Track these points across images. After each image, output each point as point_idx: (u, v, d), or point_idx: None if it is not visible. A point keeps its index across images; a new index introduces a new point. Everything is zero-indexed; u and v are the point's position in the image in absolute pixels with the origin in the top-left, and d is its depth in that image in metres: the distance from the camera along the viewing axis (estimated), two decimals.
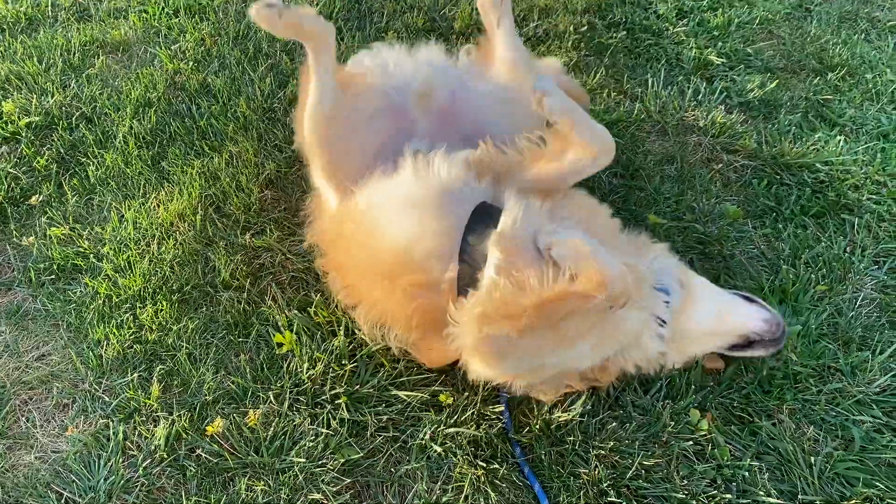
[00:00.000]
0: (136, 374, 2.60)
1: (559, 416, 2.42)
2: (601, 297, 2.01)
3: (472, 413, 2.44)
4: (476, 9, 3.83)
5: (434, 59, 2.69)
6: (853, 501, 2.28)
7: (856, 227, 3.03)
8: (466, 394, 2.51)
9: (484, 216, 2.26)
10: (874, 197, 3.14)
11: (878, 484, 2.33)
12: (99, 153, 3.24)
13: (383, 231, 2.31)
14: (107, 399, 2.56)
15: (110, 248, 2.93)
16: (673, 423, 2.44)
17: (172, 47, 3.71)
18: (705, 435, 2.41)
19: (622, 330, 2.26)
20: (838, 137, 3.36)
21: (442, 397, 2.48)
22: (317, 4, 3.86)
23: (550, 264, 2.07)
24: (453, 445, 2.38)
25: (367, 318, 2.48)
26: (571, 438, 2.41)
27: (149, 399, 2.52)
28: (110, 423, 2.49)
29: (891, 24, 4.05)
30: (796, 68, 3.76)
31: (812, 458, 2.36)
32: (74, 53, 3.69)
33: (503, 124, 2.55)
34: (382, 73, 2.63)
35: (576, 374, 2.37)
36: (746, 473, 2.34)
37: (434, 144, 2.48)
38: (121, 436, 2.44)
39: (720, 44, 3.77)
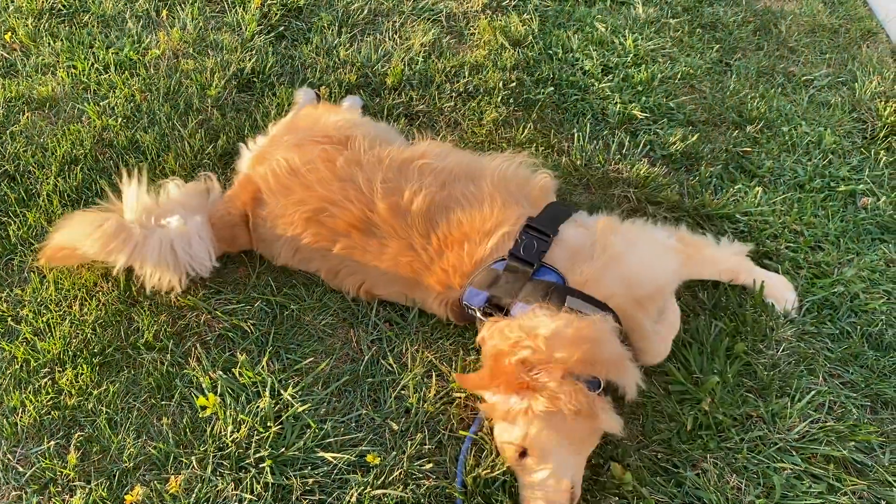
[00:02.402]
0: (52, 442, 2.52)
1: (482, 473, 2.42)
2: None
3: (400, 473, 2.42)
4: (407, 64, 3.90)
5: None
6: None
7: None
8: (394, 453, 2.49)
9: None
10: (792, 245, 3.25)
11: None
12: (21, 212, 3.17)
13: None
14: (21, 469, 2.46)
15: (30, 311, 2.85)
16: (597, 479, 2.45)
17: (101, 103, 3.67)
18: (631, 491, 2.42)
19: None
20: (757, 188, 3.48)
21: (369, 458, 2.45)
22: (250, 60, 3.88)
23: None
24: None
25: None
26: (500, 497, 2.40)
27: (65, 468, 2.45)
28: (23, 494, 2.41)
29: (805, 78, 4.24)
30: (717, 121, 3.90)
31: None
32: None
33: None
34: None
35: None
36: None
37: None
38: None
39: (644, 98, 3.89)
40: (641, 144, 3.64)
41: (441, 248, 2.64)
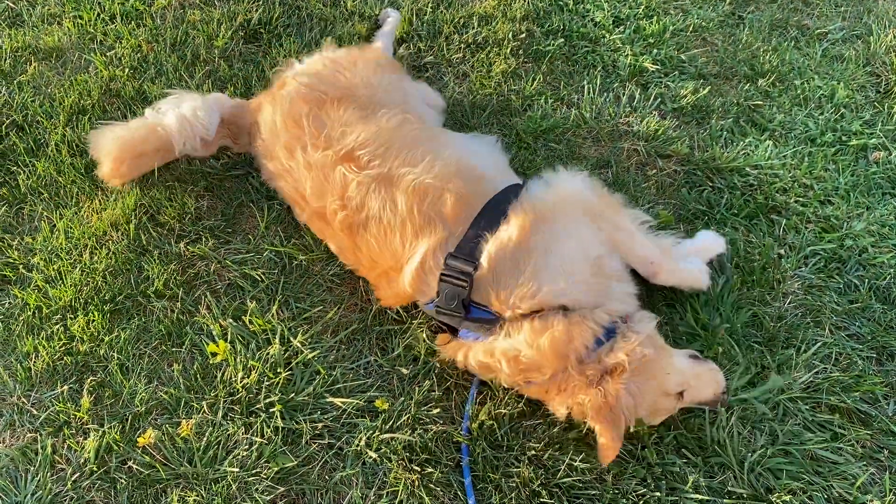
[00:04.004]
0: (66, 387, 2.56)
1: (494, 411, 2.45)
2: None
3: (408, 418, 2.46)
4: (415, 14, 3.86)
5: None
6: (778, 494, 2.35)
7: (783, 228, 3.12)
8: (402, 399, 2.53)
9: None
10: (801, 199, 3.23)
11: (803, 476, 2.41)
12: (30, 162, 3.18)
13: None
14: (35, 412, 2.51)
15: (41, 259, 2.88)
16: None
17: (108, 53, 3.65)
18: (645, 436, 2.45)
19: None
20: (767, 142, 3.46)
21: (378, 403, 2.49)
22: (257, 11, 3.84)
23: None
24: (388, 451, 2.39)
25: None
26: (507, 441, 2.43)
27: (79, 411, 2.49)
28: (38, 436, 2.45)
29: (819, 31, 4.17)
30: (728, 74, 3.85)
31: (743, 451, 2.43)
32: (5, 60, 3.61)
33: None
34: None
35: None
36: (677, 469, 2.40)
37: None
38: (49, 449, 2.40)
39: (655, 51, 3.84)
40: (652, 97, 3.60)
41: (373, 272, 2.63)
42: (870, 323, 2.85)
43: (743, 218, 3.15)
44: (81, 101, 3.41)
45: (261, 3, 3.93)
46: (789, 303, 2.87)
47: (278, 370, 2.55)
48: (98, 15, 3.85)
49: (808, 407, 2.57)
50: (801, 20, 4.27)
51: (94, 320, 2.70)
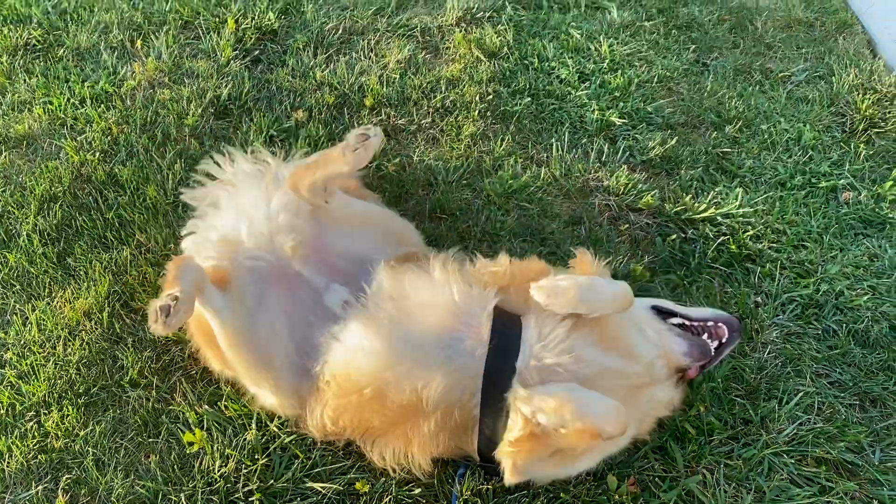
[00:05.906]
0: (40, 487, 2.50)
1: (476, 487, 2.41)
2: (598, 441, 2.05)
3: (389, 500, 2.42)
4: (385, 83, 3.90)
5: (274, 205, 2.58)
6: None
7: (758, 276, 3.12)
8: (383, 479, 2.49)
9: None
10: (774, 245, 3.25)
11: None
12: (1, 254, 3.17)
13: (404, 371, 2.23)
14: None
15: (13, 354, 2.85)
16: (592, 491, 2.45)
17: (78, 138, 3.66)
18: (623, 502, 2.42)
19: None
20: (738, 189, 3.48)
21: (358, 485, 2.45)
22: (226, 86, 3.87)
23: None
24: None
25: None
26: None
27: None
28: None
29: (782, 74, 4.24)
30: (696, 123, 3.90)
31: None
32: None
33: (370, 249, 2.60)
34: (231, 247, 2.54)
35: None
36: None
37: (348, 287, 2.46)
38: None
39: (621, 104, 3.89)
40: (621, 151, 3.63)
41: None
42: (850, 368, 2.84)
43: (717, 269, 3.16)
44: (52, 189, 3.41)
45: (229, 78, 3.97)
46: (769, 353, 2.86)
47: (256, 457, 2.51)
48: (68, 99, 3.88)
49: (793, 460, 2.55)
50: (765, 64, 4.35)
51: (68, 415, 2.67)
